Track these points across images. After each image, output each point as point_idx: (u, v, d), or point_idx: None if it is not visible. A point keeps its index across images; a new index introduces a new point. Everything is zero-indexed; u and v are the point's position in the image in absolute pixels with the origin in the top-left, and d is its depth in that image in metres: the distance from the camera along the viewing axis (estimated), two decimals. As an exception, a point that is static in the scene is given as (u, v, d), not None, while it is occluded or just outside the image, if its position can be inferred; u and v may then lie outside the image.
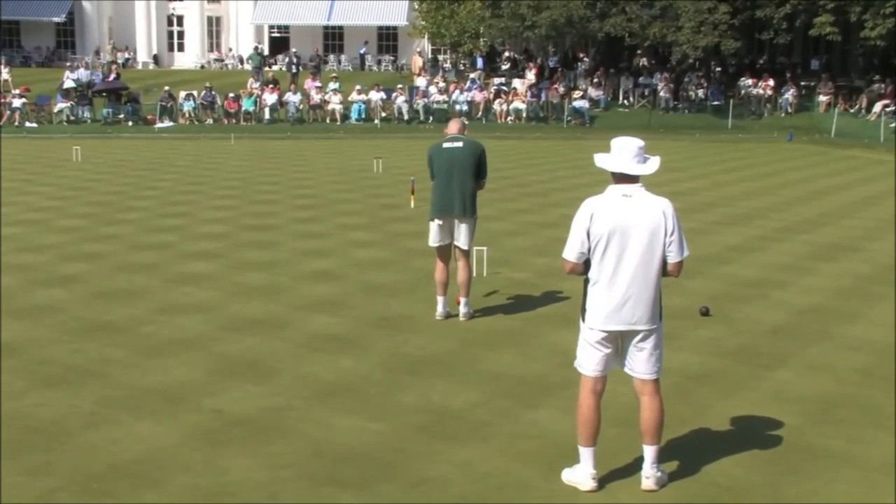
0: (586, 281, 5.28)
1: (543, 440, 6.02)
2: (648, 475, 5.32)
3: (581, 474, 5.36)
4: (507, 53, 41.77)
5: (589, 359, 5.31)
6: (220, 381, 7.14)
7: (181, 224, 14.27)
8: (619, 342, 5.31)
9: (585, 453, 5.34)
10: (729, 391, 6.99)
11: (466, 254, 8.92)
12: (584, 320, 5.29)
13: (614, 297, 5.18)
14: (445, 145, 8.81)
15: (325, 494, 5.29)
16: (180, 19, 50.59)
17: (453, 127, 9.01)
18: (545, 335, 8.44)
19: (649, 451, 5.34)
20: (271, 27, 50.52)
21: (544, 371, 7.43)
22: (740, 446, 5.93)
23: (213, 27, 50.91)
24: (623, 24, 34.82)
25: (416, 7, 43.14)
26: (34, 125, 32.99)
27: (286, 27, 49.98)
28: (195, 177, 20.47)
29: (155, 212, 15.46)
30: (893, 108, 32.18)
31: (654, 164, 5.28)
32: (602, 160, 5.28)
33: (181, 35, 50.80)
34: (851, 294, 10.10)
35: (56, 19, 47.81)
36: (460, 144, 8.78)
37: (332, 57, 48.19)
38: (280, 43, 49.18)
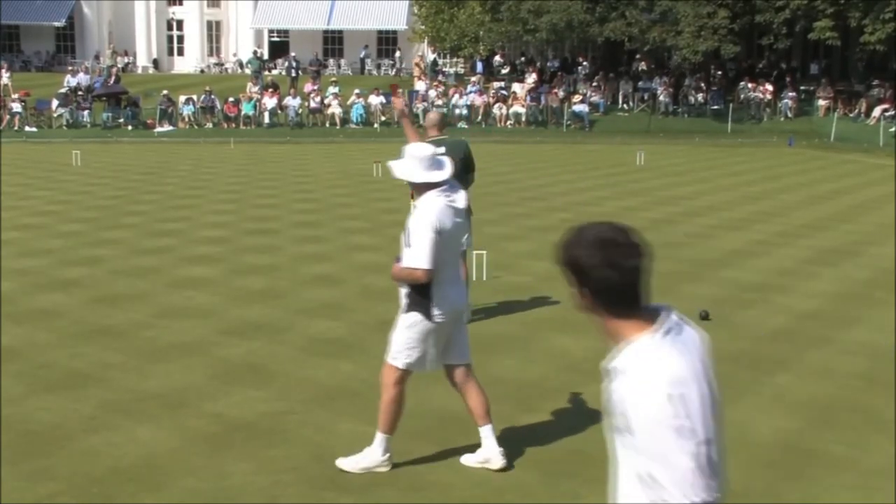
0: (428, 281, 5.47)
1: (543, 444, 6.03)
2: (500, 452, 5.67)
3: (375, 459, 5.66)
4: (499, 59, 41.55)
5: (425, 357, 5.61)
6: (220, 386, 7.14)
7: (181, 228, 14.27)
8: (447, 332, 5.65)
9: (384, 440, 5.65)
10: (729, 396, 6.97)
11: (463, 256, 8.92)
12: (430, 316, 5.50)
13: (458, 287, 5.67)
14: None
15: (325, 498, 5.29)
16: (180, 24, 50.60)
17: (433, 128, 8.84)
18: (545, 339, 8.44)
19: (489, 430, 5.71)
20: (271, 31, 50.52)
21: (544, 375, 7.43)
22: (740, 451, 5.93)
23: (213, 31, 50.92)
24: (623, 29, 34.86)
25: (416, 11, 43.18)
26: (34, 129, 33.00)
27: (286, 31, 49.97)
28: (195, 181, 20.48)
29: (155, 216, 15.47)
30: (893, 112, 32.22)
31: (448, 166, 5.67)
32: (411, 174, 5.53)
33: (181, 39, 50.81)
34: (852, 299, 10.10)
35: (56, 24, 47.78)
36: (443, 150, 8.70)
37: (331, 61, 48.22)
38: (280, 47, 49.21)
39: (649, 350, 2.51)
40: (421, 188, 5.56)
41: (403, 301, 5.58)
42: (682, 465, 2.44)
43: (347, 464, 5.65)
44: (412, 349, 5.56)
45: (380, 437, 5.65)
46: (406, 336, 5.56)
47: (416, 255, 5.41)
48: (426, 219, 5.42)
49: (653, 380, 2.46)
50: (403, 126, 6.19)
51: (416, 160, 5.54)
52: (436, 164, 5.58)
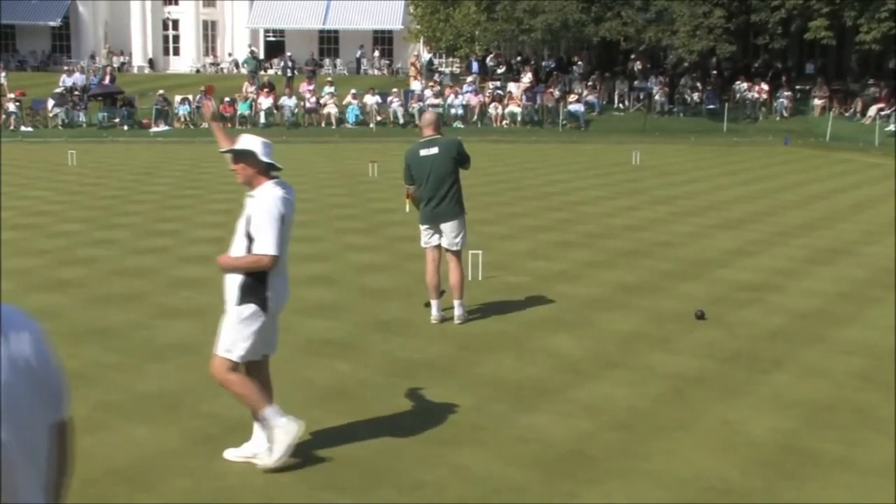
0: (265, 272, 5.53)
1: (540, 444, 6.02)
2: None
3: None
4: (490, 62, 41.43)
5: (256, 346, 5.60)
6: (217, 386, 7.10)
7: (178, 228, 14.25)
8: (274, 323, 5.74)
9: (271, 412, 5.61)
10: (726, 395, 6.99)
11: (457, 255, 8.92)
12: (265, 306, 5.55)
13: (286, 280, 5.71)
14: (422, 153, 8.69)
15: (321, 499, 5.29)
16: (175, 23, 50.58)
17: (428, 128, 8.81)
18: (541, 339, 8.44)
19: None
20: (267, 31, 50.51)
21: (540, 375, 7.43)
22: (737, 450, 5.93)
23: (209, 31, 50.91)
24: (618, 28, 34.89)
25: (412, 11, 43.17)
26: (30, 129, 32.95)
27: (282, 31, 49.96)
28: (191, 181, 20.45)
29: (151, 216, 15.44)
30: (888, 111, 32.27)
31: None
32: (269, 156, 5.64)
33: (176, 39, 50.80)
34: (848, 298, 10.11)
35: (52, 23, 47.74)
36: (436, 150, 8.66)
37: (327, 61, 48.20)
38: (275, 47, 49.18)
39: None
40: (259, 175, 5.63)
41: (235, 293, 5.55)
42: None
43: (272, 460, 5.55)
44: (246, 340, 5.55)
45: (266, 414, 5.56)
46: (240, 328, 5.55)
47: (264, 241, 5.47)
48: (272, 207, 5.51)
49: None
50: (214, 130, 6.21)
51: (262, 144, 5.58)
52: (273, 154, 5.64)
